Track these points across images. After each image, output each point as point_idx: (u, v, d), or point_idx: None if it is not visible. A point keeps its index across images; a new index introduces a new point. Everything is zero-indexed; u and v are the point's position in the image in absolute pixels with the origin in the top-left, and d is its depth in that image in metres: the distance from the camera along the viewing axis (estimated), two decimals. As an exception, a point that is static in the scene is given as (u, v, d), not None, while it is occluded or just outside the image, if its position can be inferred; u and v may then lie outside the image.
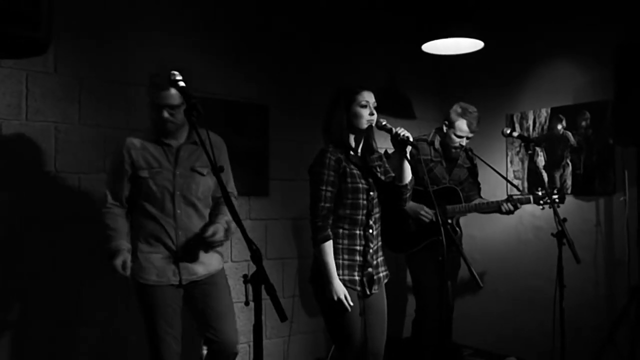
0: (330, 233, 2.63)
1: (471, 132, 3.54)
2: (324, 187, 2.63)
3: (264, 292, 1.76)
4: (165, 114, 2.67)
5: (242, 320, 3.98)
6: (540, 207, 3.43)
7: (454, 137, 3.56)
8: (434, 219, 3.46)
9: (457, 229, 3.68)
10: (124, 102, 3.51)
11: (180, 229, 2.74)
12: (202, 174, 2.79)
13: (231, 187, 2.96)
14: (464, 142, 3.57)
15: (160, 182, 2.71)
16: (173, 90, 2.60)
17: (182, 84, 2.23)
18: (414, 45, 4.30)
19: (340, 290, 2.59)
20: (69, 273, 3.29)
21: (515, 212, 3.55)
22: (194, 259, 2.77)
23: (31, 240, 3.20)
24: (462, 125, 3.52)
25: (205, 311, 2.81)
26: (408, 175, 2.70)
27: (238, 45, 4.03)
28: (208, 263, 2.84)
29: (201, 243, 2.75)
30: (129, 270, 2.68)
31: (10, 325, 3.13)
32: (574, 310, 3.64)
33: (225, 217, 2.82)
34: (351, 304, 2.60)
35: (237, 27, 4.02)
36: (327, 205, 2.64)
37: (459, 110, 3.54)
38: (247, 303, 1.82)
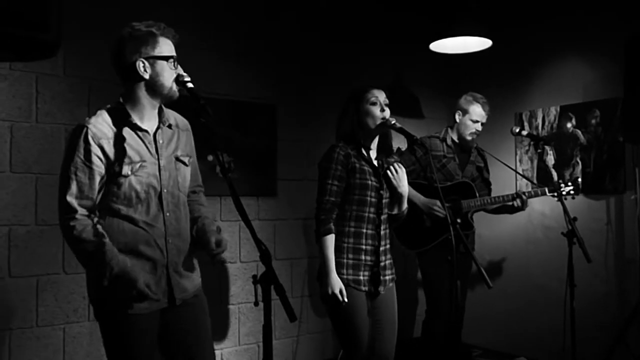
0: (332, 227, 2.62)
1: (485, 114, 3.61)
2: (330, 181, 2.63)
3: (273, 293, 1.76)
4: (181, 71, 2.18)
5: (251, 320, 4.00)
6: (556, 198, 3.43)
7: (469, 123, 3.60)
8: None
9: (472, 224, 3.67)
10: (133, 104, 3.52)
11: (170, 235, 2.20)
12: (186, 164, 2.30)
13: (200, 181, 2.48)
14: (479, 127, 3.61)
15: (145, 179, 2.14)
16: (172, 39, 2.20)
17: (190, 85, 2.14)
18: (422, 44, 4.29)
19: (336, 284, 2.57)
20: (77, 272, 3.30)
21: (525, 211, 3.54)
22: (183, 272, 2.25)
23: (43, 242, 3.23)
24: (476, 109, 3.59)
25: (186, 341, 2.24)
26: (403, 205, 2.74)
27: (245, 45, 4.04)
28: (193, 276, 2.31)
29: (191, 251, 2.30)
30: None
31: (25, 324, 3.16)
32: (585, 309, 3.61)
33: (209, 216, 2.39)
34: (346, 300, 2.56)
35: (245, 26, 4.03)
36: (332, 199, 2.63)
37: (469, 97, 3.64)
38: (256, 303, 1.82)
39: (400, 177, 2.67)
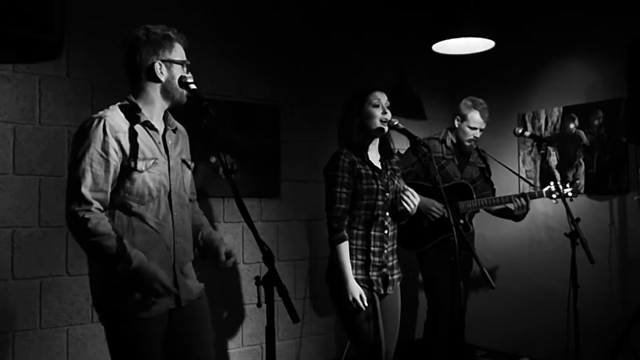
0: (346, 234, 2.65)
1: (484, 122, 3.59)
2: (338, 189, 2.66)
3: (276, 294, 1.76)
4: (190, 77, 2.16)
5: (254, 322, 4.00)
6: (554, 200, 3.43)
7: (467, 129, 3.58)
8: (445, 215, 3.46)
9: (470, 225, 3.67)
10: (136, 105, 3.53)
11: (177, 235, 2.19)
12: (190, 168, 2.33)
13: (194, 189, 2.44)
14: (477, 133, 3.59)
15: (157, 176, 2.13)
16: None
17: (193, 86, 2.13)
18: (424, 44, 4.28)
19: (356, 290, 2.61)
20: (81, 274, 3.31)
21: (528, 212, 3.53)
22: (188, 273, 2.26)
23: (46, 244, 3.23)
24: (475, 115, 3.56)
25: (189, 343, 2.22)
26: (407, 217, 2.75)
27: (248, 46, 4.04)
28: (195, 277, 2.30)
29: (192, 253, 2.31)
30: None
31: (28, 326, 3.17)
32: (588, 310, 3.61)
33: (209, 224, 2.42)
34: (366, 304, 2.61)
35: (247, 28, 4.03)
36: (342, 206, 2.66)
37: (469, 103, 3.60)
38: (259, 305, 1.82)
39: (415, 202, 2.67)
